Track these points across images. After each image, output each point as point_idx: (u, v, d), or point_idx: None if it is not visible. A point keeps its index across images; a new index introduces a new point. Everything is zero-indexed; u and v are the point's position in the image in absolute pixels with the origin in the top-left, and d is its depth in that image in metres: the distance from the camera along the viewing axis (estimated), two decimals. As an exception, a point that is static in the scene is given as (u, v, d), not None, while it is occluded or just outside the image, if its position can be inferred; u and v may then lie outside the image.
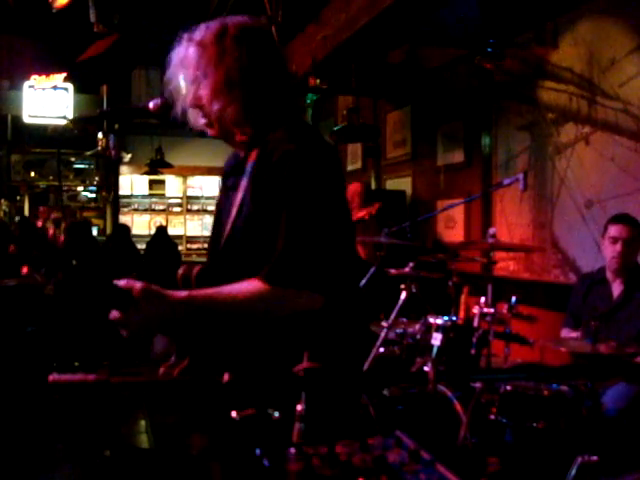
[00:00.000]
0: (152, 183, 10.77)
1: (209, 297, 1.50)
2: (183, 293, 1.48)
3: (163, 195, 10.86)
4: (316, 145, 1.59)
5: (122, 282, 1.44)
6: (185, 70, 1.62)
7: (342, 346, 1.58)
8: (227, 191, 1.73)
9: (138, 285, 1.43)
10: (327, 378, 1.47)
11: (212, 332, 1.56)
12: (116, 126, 1.61)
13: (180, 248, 9.68)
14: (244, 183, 1.63)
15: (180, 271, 1.62)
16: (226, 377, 1.51)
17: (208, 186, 10.75)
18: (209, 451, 1.52)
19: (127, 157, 9.58)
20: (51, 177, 10.31)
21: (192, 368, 1.53)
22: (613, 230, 3.32)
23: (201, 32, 1.62)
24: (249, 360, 1.53)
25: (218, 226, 1.73)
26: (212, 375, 1.49)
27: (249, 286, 1.49)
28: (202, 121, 1.66)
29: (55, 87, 8.70)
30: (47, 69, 8.52)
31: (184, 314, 1.46)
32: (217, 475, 1.47)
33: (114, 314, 1.44)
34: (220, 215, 1.74)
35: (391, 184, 6.70)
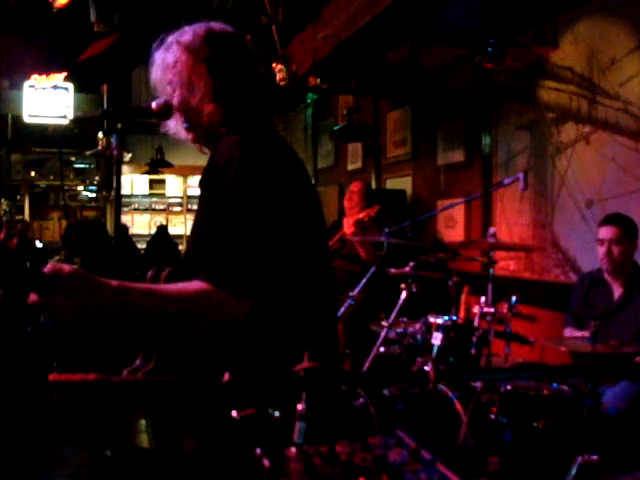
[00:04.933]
0: (152, 183, 10.77)
1: (142, 288, 1.45)
2: (114, 281, 1.41)
3: (163, 195, 10.87)
4: (265, 154, 1.56)
5: (48, 266, 1.36)
6: (174, 73, 1.63)
7: (258, 356, 1.53)
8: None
9: (66, 267, 1.36)
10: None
11: (165, 333, 1.52)
12: (118, 125, 1.60)
13: (180, 248, 9.68)
14: None
15: (149, 273, 1.60)
16: (226, 377, 1.51)
17: (208, 186, 10.75)
18: (208, 451, 1.52)
19: (127, 157, 9.59)
20: (51, 177, 10.32)
21: (158, 370, 1.50)
22: (600, 232, 3.36)
23: (189, 35, 1.64)
24: (249, 360, 1.53)
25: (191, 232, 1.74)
26: (212, 375, 1.48)
27: (190, 284, 1.46)
28: (184, 125, 1.67)
29: (55, 87, 8.71)
30: (47, 69, 8.53)
31: (114, 302, 1.39)
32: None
33: (32, 297, 1.35)
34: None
35: (391, 183, 6.70)
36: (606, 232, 3.32)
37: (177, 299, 1.44)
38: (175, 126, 1.71)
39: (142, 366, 1.53)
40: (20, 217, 9.89)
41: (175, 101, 1.64)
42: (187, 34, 1.64)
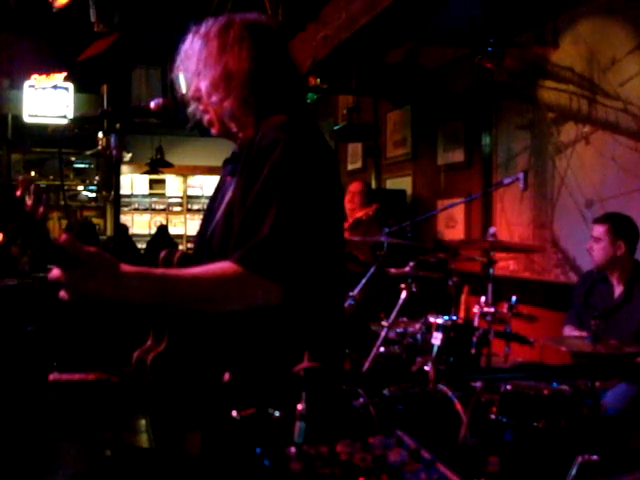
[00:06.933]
0: (152, 182, 10.77)
1: (165, 272, 1.40)
2: (137, 267, 1.34)
3: (163, 194, 10.86)
4: (310, 138, 1.54)
5: (65, 238, 1.25)
6: (188, 62, 1.62)
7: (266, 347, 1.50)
8: (224, 177, 1.71)
9: (91, 248, 1.27)
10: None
11: (182, 313, 1.45)
12: (117, 125, 1.60)
13: (180, 247, 9.69)
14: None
15: (162, 254, 1.55)
16: (226, 377, 1.51)
17: (208, 185, 10.74)
18: (209, 451, 1.52)
19: (127, 156, 9.58)
20: (51, 177, 10.30)
21: (169, 353, 1.46)
22: (593, 230, 3.44)
23: (207, 25, 1.63)
24: (249, 359, 1.52)
25: (209, 214, 1.69)
26: (212, 374, 1.48)
27: (217, 266, 1.40)
28: (206, 117, 1.65)
29: (55, 86, 8.69)
30: (47, 68, 8.51)
31: (136, 285, 1.32)
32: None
33: (55, 272, 1.26)
34: (213, 202, 1.71)
35: (391, 183, 6.70)
36: (594, 229, 3.42)
37: (202, 282, 1.38)
38: (196, 108, 1.66)
39: (153, 347, 1.48)
40: None
41: (213, 71, 1.58)
42: (207, 24, 1.64)
